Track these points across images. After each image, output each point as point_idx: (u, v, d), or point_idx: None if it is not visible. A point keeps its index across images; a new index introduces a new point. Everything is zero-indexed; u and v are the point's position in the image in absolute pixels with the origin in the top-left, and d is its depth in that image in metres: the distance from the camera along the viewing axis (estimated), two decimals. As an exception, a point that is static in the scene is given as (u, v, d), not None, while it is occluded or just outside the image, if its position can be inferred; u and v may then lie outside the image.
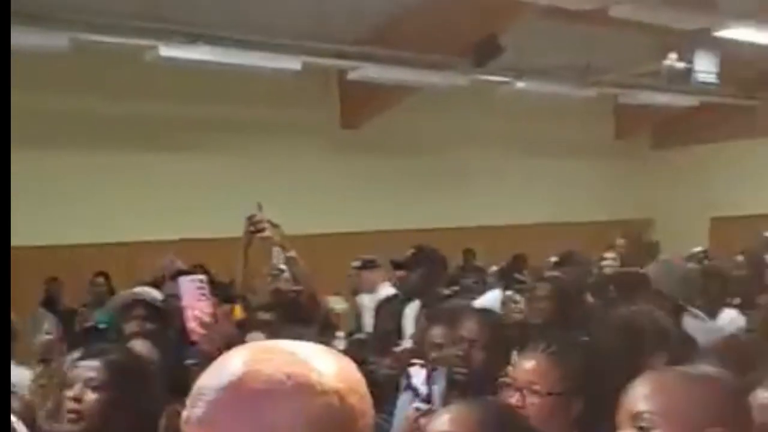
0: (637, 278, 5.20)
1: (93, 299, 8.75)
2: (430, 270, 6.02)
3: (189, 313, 3.13)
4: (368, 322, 6.93)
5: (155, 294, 4.85)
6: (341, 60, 11.12)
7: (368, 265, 7.15)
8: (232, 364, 1.12)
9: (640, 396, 1.94)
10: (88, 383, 2.86)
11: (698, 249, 10.81)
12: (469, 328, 3.65)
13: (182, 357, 3.71)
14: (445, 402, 3.45)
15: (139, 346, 3.76)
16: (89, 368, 2.90)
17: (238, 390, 1.10)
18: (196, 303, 3.12)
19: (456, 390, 3.60)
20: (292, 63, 10.27)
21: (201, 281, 3.18)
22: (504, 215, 13.34)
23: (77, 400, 2.85)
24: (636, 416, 1.91)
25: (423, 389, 3.33)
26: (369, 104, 12.31)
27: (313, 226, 10.90)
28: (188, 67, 9.78)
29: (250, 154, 11.51)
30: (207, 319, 3.07)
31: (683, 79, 11.86)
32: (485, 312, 4.23)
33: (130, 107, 10.56)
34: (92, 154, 10.41)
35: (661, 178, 15.72)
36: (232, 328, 3.33)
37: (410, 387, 3.39)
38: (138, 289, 4.92)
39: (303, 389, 1.10)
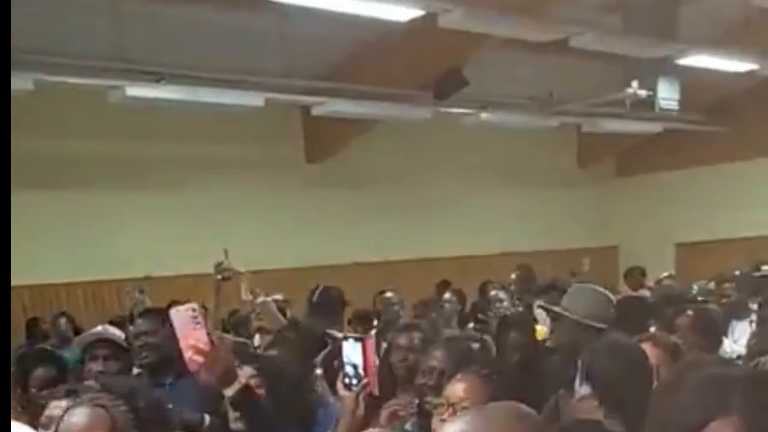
0: None
1: (57, 339, 8.96)
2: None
3: (184, 343, 3.15)
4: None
5: (117, 332, 4.96)
6: (304, 96, 11.46)
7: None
8: None
9: None
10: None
11: (666, 274, 11.27)
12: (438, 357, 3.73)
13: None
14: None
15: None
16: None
17: None
18: (191, 333, 3.15)
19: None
20: (255, 100, 10.63)
21: (194, 310, 3.19)
22: (469, 245, 13.70)
23: None
24: None
25: (358, 361, 3.23)
26: (333, 138, 12.67)
27: (280, 260, 11.27)
28: (153, 106, 10.08)
29: (216, 191, 11.82)
30: (204, 347, 3.10)
31: (646, 106, 12.30)
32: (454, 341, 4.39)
33: (95, 147, 10.83)
34: (57, 194, 10.64)
35: (626, 205, 16.16)
36: (229, 356, 3.42)
37: (347, 363, 3.27)
38: (100, 328, 4.99)
39: None
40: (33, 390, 4.52)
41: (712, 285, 9.85)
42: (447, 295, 9.18)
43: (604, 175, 16.69)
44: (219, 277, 5.23)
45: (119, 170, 11.07)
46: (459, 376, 3.03)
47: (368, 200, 13.12)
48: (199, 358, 3.09)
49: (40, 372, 4.60)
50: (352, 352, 3.26)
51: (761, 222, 13.95)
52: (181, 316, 3.20)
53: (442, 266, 12.11)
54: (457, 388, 2.97)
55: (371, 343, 3.33)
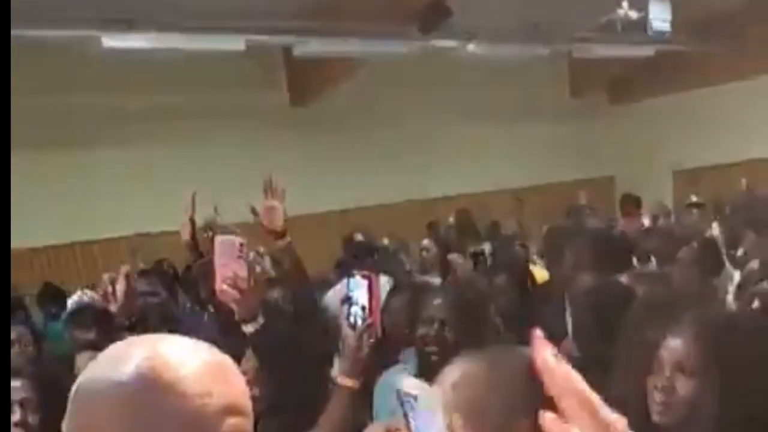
0: None
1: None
2: None
3: (221, 273, 3.07)
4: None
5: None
6: (285, 36, 11.34)
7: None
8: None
9: (446, 389, 1.90)
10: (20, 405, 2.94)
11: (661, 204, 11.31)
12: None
13: None
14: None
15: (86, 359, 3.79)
16: (15, 389, 2.97)
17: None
18: (232, 264, 3.06)
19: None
20: (236, 44, 10.52)
21: (242, 244, 3.11)
22: (466, 183, 13.69)
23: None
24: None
25: (363, 300, 3.18)
26: (317, 81, 12.57)
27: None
28: (131, 56, 9.99)
29: (200, 140, 11.75)
30: (242, 283, 3.04)
31: (638, 29, 12.25)
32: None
33: (73, 100, 10.72)
34: (37, 151, 10.57)
35: (621, 134, 16.13)
36: (260, 296, 3.38)
37: (352, 302, 3.23)
38: (77, 295, 4.99)
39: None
40: None
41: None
42: (425, 242, 8.97)
43: (598, 104, 16.66)
44: (210, 233, 5.16)
45: (97, 124, 10.95)
46: None
47: (356, 143, 13.07)
48: (235, 293, 3.06)
49: None
50: (357, 289, 3.22)
51: (761, 144, 13.92)
52: (225, 245, 3.13)
53: (436, 207, 12.08)
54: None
55: (377, 280, 3.29)
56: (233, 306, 3.10)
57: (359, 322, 3.19)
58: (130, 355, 1.23)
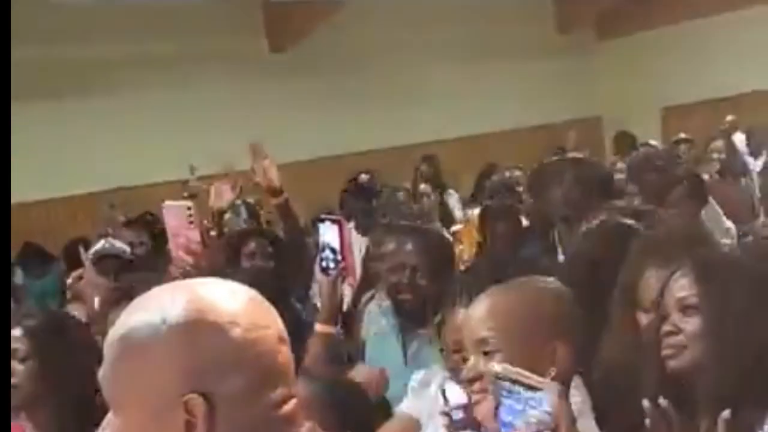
0: None
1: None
2: None
3: (176, 242, 3.14)
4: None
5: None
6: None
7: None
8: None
9: (480, 319, 2.06)
10: (14, 355, 2.90)
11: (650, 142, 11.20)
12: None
13: None
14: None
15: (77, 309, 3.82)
16: (13, 339, 2.93)
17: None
18: (184, 231, 3.13)
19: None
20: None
21: (189, 208, 3.19)
22: (452, 127, 13.54)
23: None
24: (479, 342, 2.04)
25: (335, 244, 3.16)
26: (296, 25, 12.37)
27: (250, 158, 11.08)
28: (102, 4, 9.82)
29: (178, 90, 11.51)
30: (196, 248, 3.10)
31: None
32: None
33: (45, 53, 10.50)
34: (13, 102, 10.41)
35: (609, 71, 15.86)
36: (220, 258, 3.47)
37: (325, 246, 3.21)
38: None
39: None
40: None
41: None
42: (423, 187, 8.86)
43: (585, 41, 16.39)
44: (185, 194, 5.17)
45: (72, 75, 10.71)
46: None
47: (339, 88, 12.84)
48: (189, 258, 3.09)
49: None
50: (328, 233, 3.21)
51: (756, 75, 13.62)
52: (174, 212, 3.20)
53: (422, 152, 11.95)
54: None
55: (346, 225, 3.38)
56: (191, 274, 3.00)
57: (331, 265, 3.18)
58: (174, 300, 1.28)
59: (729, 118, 10.62)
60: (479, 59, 14.13)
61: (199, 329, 1.25)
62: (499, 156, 11.53)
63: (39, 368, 2.91)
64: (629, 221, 3.92)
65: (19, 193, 10.19)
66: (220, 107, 11.66)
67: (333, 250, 3.16)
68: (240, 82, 12.07)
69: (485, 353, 2.01)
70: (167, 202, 3.30)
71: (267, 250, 5.00)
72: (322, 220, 3.31)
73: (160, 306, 1.28)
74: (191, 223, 3.13)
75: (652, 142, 11.12)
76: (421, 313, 3.64)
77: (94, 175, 10.62)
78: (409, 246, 3.74)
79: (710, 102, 14.07)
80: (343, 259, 3.17)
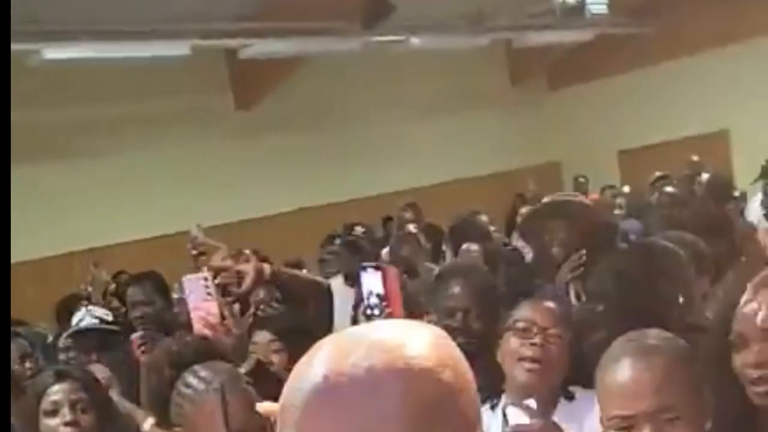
0: None
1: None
2: None
3: (195, 315, 3.17)
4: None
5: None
6: (230, 39, 11.42)
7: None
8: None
9: (656, 387, 1.96)
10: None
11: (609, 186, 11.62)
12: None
13: None
14: None
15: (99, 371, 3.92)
16: (63, 390, 3.11)
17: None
18: (202, 304, 3.16)
19: None
20: (180, 49, 10.58)
21: (206, 279, 3.19)
22: (414, 178, 13.78)
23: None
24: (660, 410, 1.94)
25: (378, 289, 3.07)
26: (261, 82, 12.62)
27: (223, 216, 11.25)
28: (73, 67, 10.00)
29: (146, 149, 11.68)
30: (213, 320, 3.12)
31: (576, 13, 12.53)
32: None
33: (14, 115, 10.62)
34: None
35: (563, 118, 16.33)
36: (239, 329, 3.40)
37: (368, 294, 3.10)
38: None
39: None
40: None
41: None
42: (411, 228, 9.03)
43: (538, 91, 16.86)
44: (194, 252, 5.19)
45: (44, 139, 10.87)
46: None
47: (304, 143, 13.07)
48: (207, 332, 3.08)
49: None
50: (371, 281, 3.11)
51: (703, 119, 14.35)
52: (193, 285, 3.21)
53: (389, 203, 12.21)
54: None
55: (392, 270, 3.22)
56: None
57: (376, 312, 3.07)
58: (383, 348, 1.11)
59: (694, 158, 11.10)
60: (438, 113, 14.50)
61: (422, 381, 1.11)
62: (459, 204, 11.74)
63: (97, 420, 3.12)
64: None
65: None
66: (186, 166, 11.86)
67: (379, 296, 3.08)
68: (205, 140, 12.26)
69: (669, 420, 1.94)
70: (187, 276, 3.31)
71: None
72: (364, 268, 3.21)
73: (364, 356, 1.10)
74: (209, 294, 3.15)
75: (610, 183, 11.60)
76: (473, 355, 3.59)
77: (65, 236, 10.72)
78: (457, 289, 3.67)
79: (664, 144, 14.62)
80: (389, 305, 3.07)
